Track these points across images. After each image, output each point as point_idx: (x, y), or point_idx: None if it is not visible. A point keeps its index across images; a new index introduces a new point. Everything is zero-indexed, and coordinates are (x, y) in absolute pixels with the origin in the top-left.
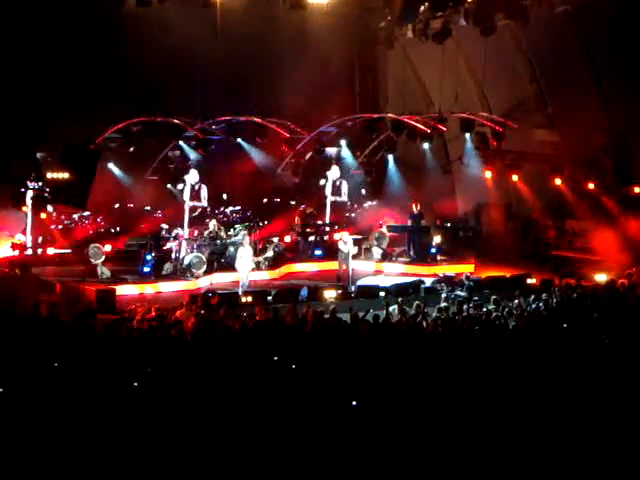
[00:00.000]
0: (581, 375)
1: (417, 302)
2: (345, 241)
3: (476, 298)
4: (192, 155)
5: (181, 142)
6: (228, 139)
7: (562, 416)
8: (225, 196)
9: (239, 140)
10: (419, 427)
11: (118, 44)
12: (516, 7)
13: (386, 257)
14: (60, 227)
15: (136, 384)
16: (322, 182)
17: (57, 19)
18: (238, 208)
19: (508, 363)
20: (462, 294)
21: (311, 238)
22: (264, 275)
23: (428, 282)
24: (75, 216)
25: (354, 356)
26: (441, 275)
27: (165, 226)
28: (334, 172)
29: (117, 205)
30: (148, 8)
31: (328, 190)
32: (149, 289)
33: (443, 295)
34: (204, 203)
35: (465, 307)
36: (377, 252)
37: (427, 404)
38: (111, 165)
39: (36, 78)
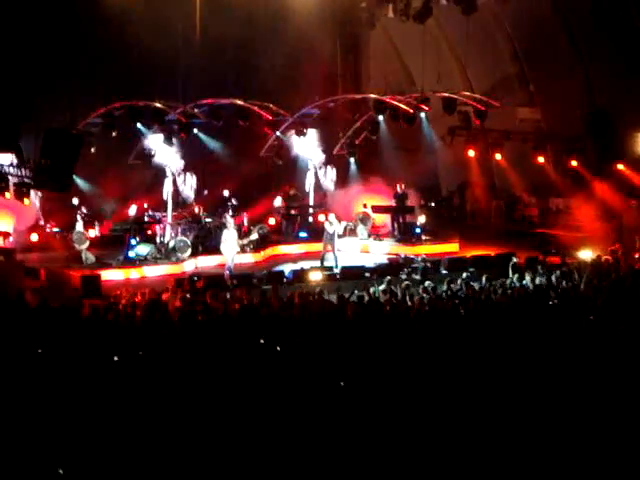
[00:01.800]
0: (568, 354)
1: (406, 282)
2: (331, 222)
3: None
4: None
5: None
6: (210, 123)
7: (549, 391)
8: (206, 192)
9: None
10: (408, 405)
11: (98, 28)
12: None
13: (370, 237)
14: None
15: (121, 364)
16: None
17: (36, 3)
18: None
19: (492, 342)
20: (416, 277)
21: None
22: (249, 258)
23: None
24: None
25: (341, 337)
26: (401, 256)
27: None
28: (317, 155)
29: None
30: None
31: (311, 173)
32: (134, 274)
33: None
34: (190, 194)
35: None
36: (362, 233)
37: (415, 383)
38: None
39: (18, 63)
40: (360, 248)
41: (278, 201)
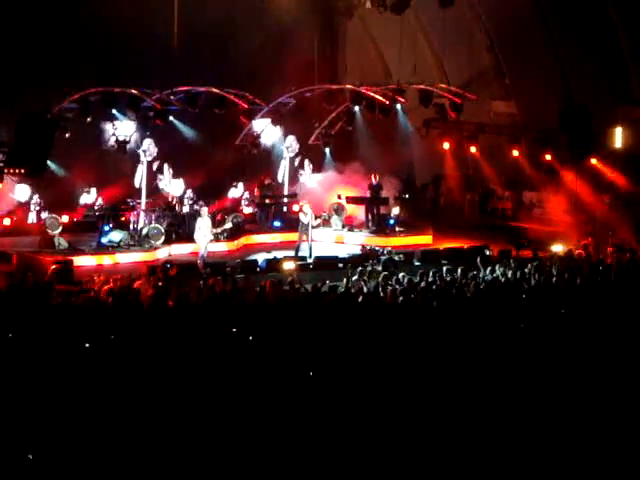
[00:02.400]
0: (538, 346)
1: (384, 273)
2: (305, 212)
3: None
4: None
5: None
6: (186, 110)
7: (521, 382)
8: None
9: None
10: (381, 396)
11: (76, 13)
12: None
13: (345, 228)
14: None
15: (92, 350)
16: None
17: None
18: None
19: (463, 334)
20: (378, 269)
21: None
22: (222, 246)
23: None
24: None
25: (314, 327)
26: (368, 247)
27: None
28: (291, 142)
29: None
30: None
31: (285, 162)
32: (107, 260)
33: (358, 269)
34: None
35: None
36: (336, 223)
37: (385, 374)
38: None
39: None
40: (334, 239)
41: (255, 191)
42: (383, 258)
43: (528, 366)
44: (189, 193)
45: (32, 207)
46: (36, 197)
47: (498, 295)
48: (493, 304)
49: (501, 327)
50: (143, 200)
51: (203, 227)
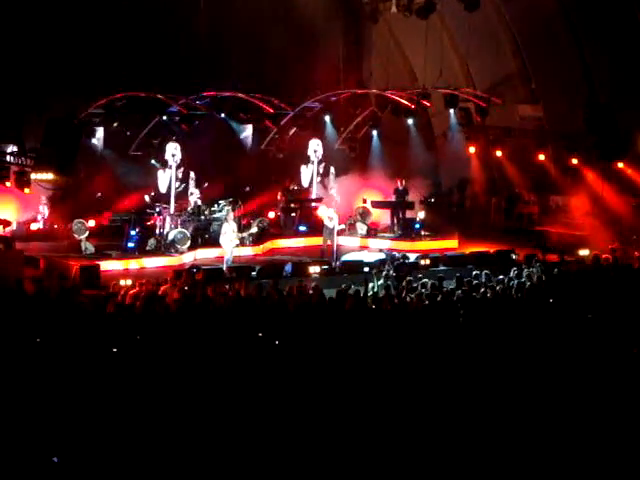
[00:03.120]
0: (564, 351)
1: (409, 278)
2: (331, 217)
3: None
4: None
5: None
6: (212, 115)
7: (547, 390)
8: (206, 184)
9: (223, 116)
10: (402, 402)
11: (102, 18)
12: None
13: (370, 233)
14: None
15: (119, 355)
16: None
17: None
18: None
19: (488, 339)
20: (391, 273)
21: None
22: (248, 251)
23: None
24: None
25: (339, 332)
26: (385, 251)
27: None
28: (316, 146)
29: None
30: None
31: (310, 166)
32: (133, 264)
33: (383, 273)
34: (193, 198)
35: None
36: (361, 228)
37: (410, 379)
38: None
39: (20, 53)
40: (359, 243)
41: (279, 195)
42: (396, 262)
43: (557, 370)
44: (198, 202)
45: (39, 217)
46: (41, 207)
47: (524, 299)
48: (519, 308)
49: (528, 331)
50: (172, 204)
51: (229, 231)
